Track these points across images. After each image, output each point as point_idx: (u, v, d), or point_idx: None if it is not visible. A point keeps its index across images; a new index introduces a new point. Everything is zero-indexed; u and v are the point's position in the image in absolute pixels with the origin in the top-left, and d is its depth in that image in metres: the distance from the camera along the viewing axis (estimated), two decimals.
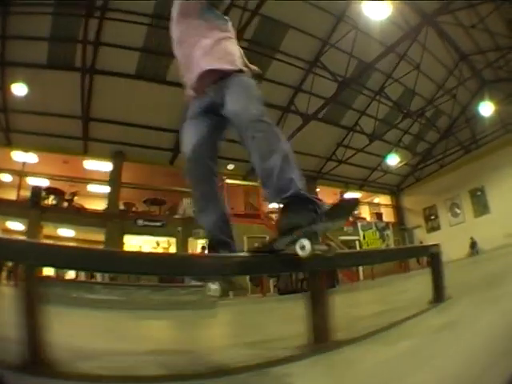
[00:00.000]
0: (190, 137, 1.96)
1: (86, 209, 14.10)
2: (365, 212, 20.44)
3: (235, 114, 1.76)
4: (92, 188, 15.70)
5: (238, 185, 13.75)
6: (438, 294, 2.61)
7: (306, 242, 1.48)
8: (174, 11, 2.05)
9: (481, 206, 16.67)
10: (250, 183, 14.01)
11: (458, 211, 17.72)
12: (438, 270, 2.74)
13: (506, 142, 15.72)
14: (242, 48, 2.22)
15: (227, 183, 13.17)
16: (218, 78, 1.87)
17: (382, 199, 20.83)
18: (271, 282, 12.47)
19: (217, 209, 1.94)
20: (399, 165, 17.38)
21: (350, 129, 15.84)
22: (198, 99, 1.99)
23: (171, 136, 13.46)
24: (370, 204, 20.61)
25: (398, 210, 19.93)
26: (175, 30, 2.06)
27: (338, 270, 11.32)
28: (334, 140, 15.95)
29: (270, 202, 1.81)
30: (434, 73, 14.70)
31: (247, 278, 10.98)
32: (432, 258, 2.82)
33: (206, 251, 2.02)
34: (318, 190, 16.84)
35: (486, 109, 14.94)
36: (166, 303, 7.72)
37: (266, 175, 1.63)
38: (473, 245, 15.90)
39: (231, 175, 13.82)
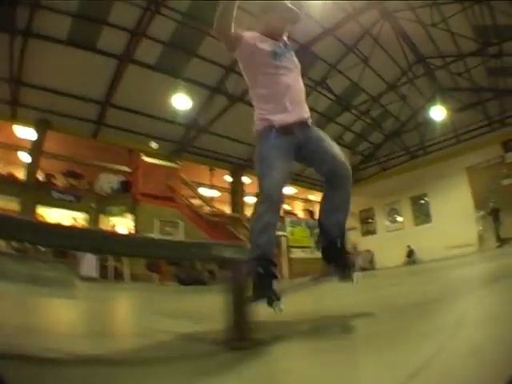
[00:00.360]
0: (279, 173, 2.16)
1: (12, 176, 13.40)
2: (298, 208, 19.87)
3: (336, 155, 2.24)
4: (22, 156, 14.96)
5: (159, 165, 13.04)
6: (237, 335, 1.57)
7: (359, 275, 2.27)
8: (244, 55, 2.30)
9: (422, 214, 16.10)
10: (172, 165, 13.36)
11: (397, 217, 17.10)
12: (238, 292, 1.64)
13: (457, 151, 15.19)
14: None
15: (146, 161, 12.57)
16: (305, 124, 2.30)
17: (317, 196, 19.40)
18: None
19: (273, 236, 2.19)
20: None
21: None
22: (284, 137, 2.22)
23: (96, 107, 12.78)
24: (304, 200, 19.98)
25: None
26: (249, 73, 2.36)
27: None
28: None
29: (327, 236, 2.28)
30: (384, 71, 14.04)
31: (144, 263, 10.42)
32: (232, 269, 1.73)
33: (260, 269, 2.05)
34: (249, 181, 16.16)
35: (438, 113, 14.42)
36: (21, 275, 7.16)
37: (334, 214, 2.27)
38: (410, 254, 15.36)
39: (154, 154, 13.13)
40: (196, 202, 14.03)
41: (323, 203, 2.31)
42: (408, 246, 15.41)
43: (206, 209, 13.89)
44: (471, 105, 14.47)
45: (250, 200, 14.37)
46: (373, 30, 12.18)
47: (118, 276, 10.83)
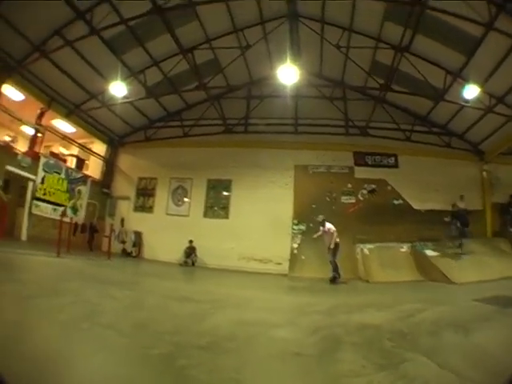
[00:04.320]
0: None
1: None
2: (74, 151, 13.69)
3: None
4: None
5: None
6: None
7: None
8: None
9: (218, 205, 12.54)
10: None
11: (185, 199, 12.92)
12: None
13: (293, 143, 12.30)
14: None
15: None
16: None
17: (98, 147, 13.79)
18: None
19: None
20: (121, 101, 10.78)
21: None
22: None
23: None
24: (81, 146, 13.34)
25: (109, 166, 13.68)
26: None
27: None
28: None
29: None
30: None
31: None
32: None
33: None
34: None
35: (287, 77, 10.12)
36: None
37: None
38: (189, 252, 11.68)
39: None
40: None
41: None
42: (190, 242, 11.71)
43: None
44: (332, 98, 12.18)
45: None
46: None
47: None
